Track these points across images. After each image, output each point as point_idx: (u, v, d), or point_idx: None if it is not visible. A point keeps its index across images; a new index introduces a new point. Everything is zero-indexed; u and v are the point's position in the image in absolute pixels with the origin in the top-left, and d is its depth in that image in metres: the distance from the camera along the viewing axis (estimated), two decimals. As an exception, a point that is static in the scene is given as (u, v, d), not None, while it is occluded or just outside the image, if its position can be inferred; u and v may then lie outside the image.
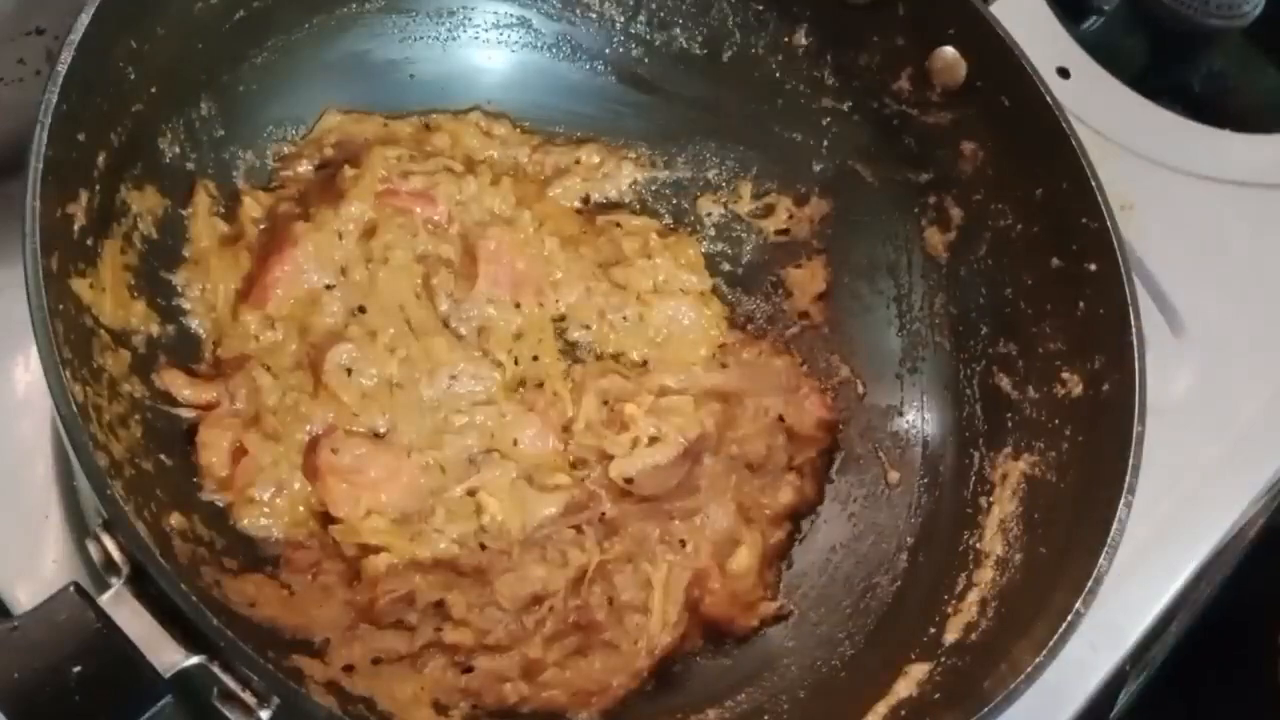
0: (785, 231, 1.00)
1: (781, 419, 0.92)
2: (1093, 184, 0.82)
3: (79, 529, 0.80)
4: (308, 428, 0.80)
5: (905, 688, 0.75)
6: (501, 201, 0.92)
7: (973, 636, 0.77)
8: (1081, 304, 0.83)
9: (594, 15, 0.98)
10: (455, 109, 0.97)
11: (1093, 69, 1.12)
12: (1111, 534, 0.72)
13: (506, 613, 0.79)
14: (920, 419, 0.93)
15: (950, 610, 0.80)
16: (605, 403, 0.89)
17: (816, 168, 0.99)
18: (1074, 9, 1.16)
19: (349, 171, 0.88)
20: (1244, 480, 0.98)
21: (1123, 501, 0.73)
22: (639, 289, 0.93)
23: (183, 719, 0.62)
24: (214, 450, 0.77)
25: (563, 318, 0.91)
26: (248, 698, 0.60)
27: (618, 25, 0.98)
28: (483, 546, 0.82)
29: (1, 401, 0.83)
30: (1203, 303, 1.02)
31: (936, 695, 0.74)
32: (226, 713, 0.61)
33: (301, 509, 0.79)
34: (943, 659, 0.77)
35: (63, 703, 0.56)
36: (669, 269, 0.94)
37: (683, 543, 0.85)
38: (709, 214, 1.00)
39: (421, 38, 0.96)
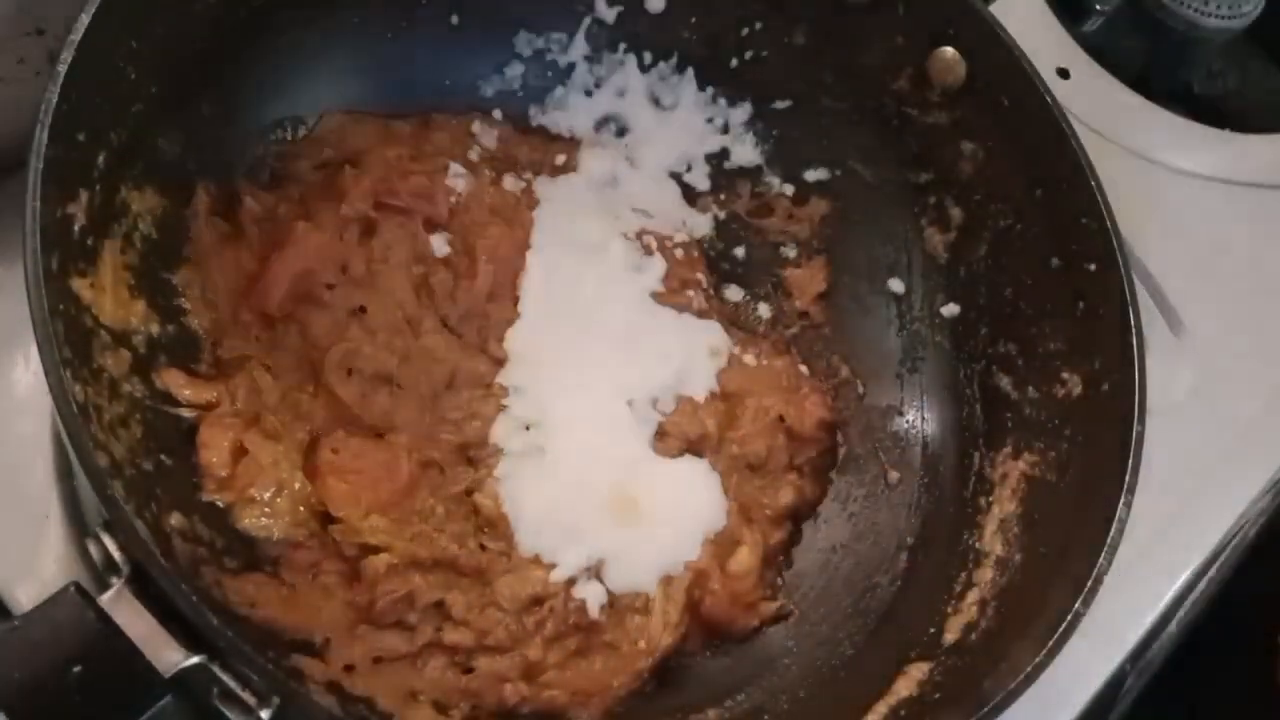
0: (785, 231, 1.00)
1: (781, 419, 0.91)
2: (1093, 184, 0.82)
3: (79, 529, 0.80)
4: (308, 427, 0.80)
5: (905, 688, 0.75)
6: (501, 201, 0.92)
7: (973, 636, 0.77)
8: (1081, 304, 0.83)
9: (594, 16, 0.98)
10: (455, 109, 0.97)
11: (1093, 69, 1.12)
12: (1111, 534, 0.72)
13: (506, 613, 0.79)
14: (920, 419, 0.93)
15: (950, 610, 0.80)
16: (605, 403, 0.89)
17: (816, 168, 0.99)
18: (1074, 10, 1.16)
19: (349, 171, 0.88)
20: (1244, 480, 0.98)
21: (1123, 501, 0.73)
22: (639, 289, 0.93)
23: (183, 719, 0.62)
24: (214, 450, 0.77)
25: (563, 317, 0.91)
26: (248, 697, 0.60)
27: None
28: (483, 547, 0.82)
29: (1, 401, 0.83)
30: (1203, 303, 1.02)
31: (936, 695, 0.74)
32: (227, 713, 0.61)
33: (302, 509, 0.79)
34: (943, 659, 0.77)
35: (63, 703, 0.56)
36: (669, 268, 0.95)
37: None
38: (709, 214, 1.00)
39: (422, 38, 0.96)
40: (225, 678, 0.60)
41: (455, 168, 0.91)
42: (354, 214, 0.86)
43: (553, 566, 0.82)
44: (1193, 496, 0.96)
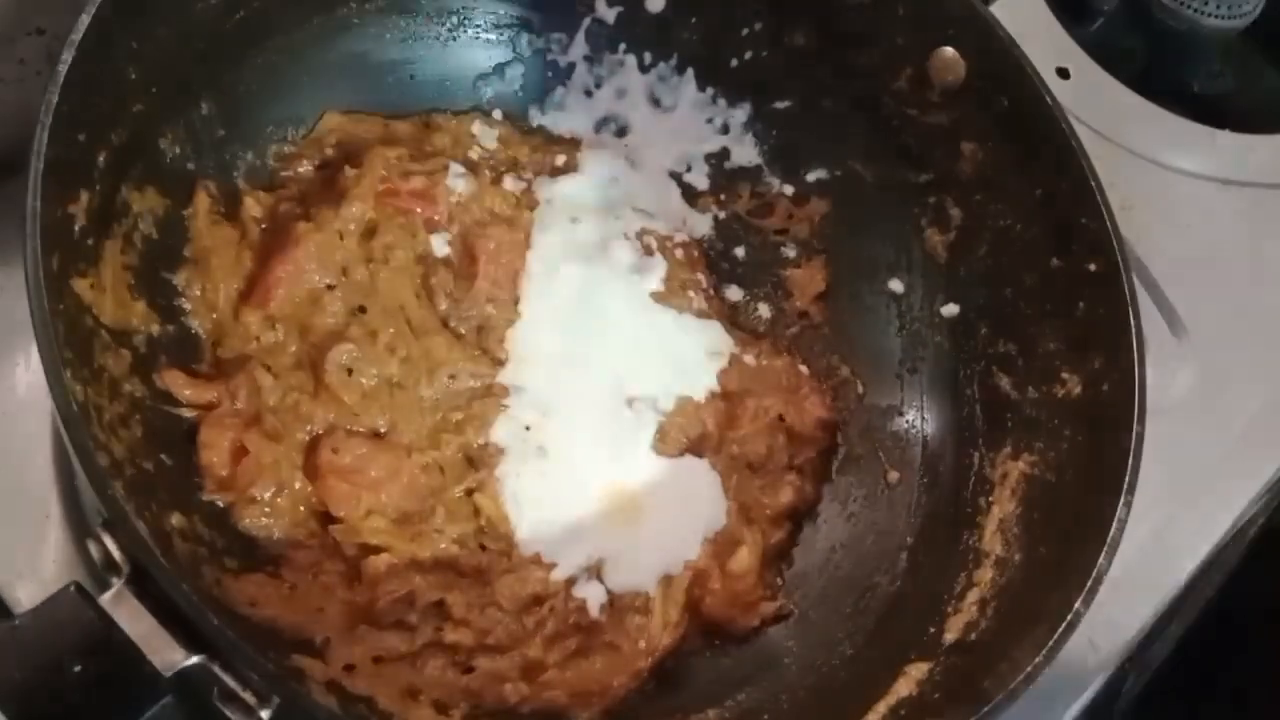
0: (785, 231, 1.00)
1: (781, 419, 0.92)
2: (1093, 184, 0.82)
3: (79, 529, 0.80)
4: (308, 428, 0.80)
5: (905, 688, 0.75)
6: (502, 201, 0.92)
7: (973, 636, 0.77)
8: (1081, 304, 0.83)
9: (594, 17, 0.98)
10: (455, 109, 0.97)
11: (1093, 69, 1.12)
12: (1111, 534, 0.72)
13: (507, 613, 0.79)
14: (920, 419, 0.93)
15: (950, 610, 0.80)
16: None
17: (816, 168, 0.99)
18: (1074, 9, 1.16)
19: (349, 171, 0.88)
20: (1244, 480, 0.98)
21: (1123, 501, 0.73)
22: (639, 289, 0.93)
23: (183, 719, 0.62)
24: (215, 450, 0.77)
25: (563, 317, 0.91)
26: (248, 697, 0.60)
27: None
28: (483, 547, 0.82)
29: (2, 401, 0.83)
30: (1203, 303, 1.02)
31: (936, 695, 0.74)
32: (227, 712, 0.61)
33: (302, 509, 0.79)
34: (943, 659, 0.77)
35: (63, 702, 0.56)
36: (669, 268, 0.95)
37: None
38: (709, 214, 1.00)
39: (422, 38, 0.96)
40: (225, 677, 0.60)
41: (455, 168, 0.91)
42: (354, 214, 0.86)
43: (553, 566, 0.82)
44: (1193, 496, 0.96)
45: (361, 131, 0.92)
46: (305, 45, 0.89)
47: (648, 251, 0.95)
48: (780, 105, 0.99)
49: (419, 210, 0.89)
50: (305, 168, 0.91)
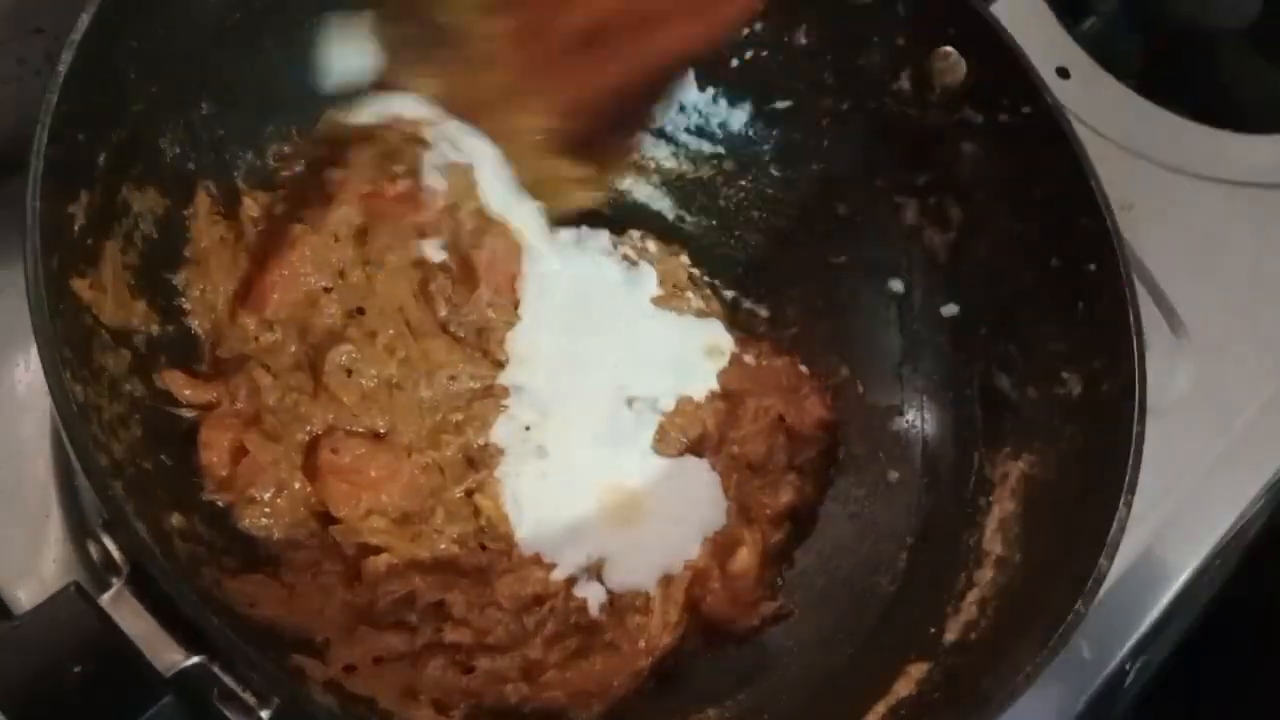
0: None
1: (781, 419, 0.92)
2: (1092, 184, 0.82)
3: (79, 529, 0.80)
4: (308, 428, 0.80)
5: (905, 688, 0.75)
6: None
7: (973, 636, 0.77)
8: (1081, 304, 0.83)
9: (594, 15, 0.98)
10: (455, 109, 0.97)
11: (1093, 69, 1.12)
12: (1111, 534, 0.72)
13: (507, 613, 0.79)
14: (920, 419, 0.93)
15: (950, 610, 0.80)
16: (605, 403, 0.89)
17: (816, 168, 0.99)
18: (1074, 9, 1.16)
19: (333, 173, 0.87)
20: (1244, 480, 0.98)
21: (1123, 501, 0.73)
22: (639, 289, 0.93)
23: (183, 719, 0.62)
24: (214, 450, 0.77)
25: (563, 318, 0.91)
26: (248, 698, 0.60)
27: (618, 25, 0.98)
28: (483, 547, 0.82)
29: (1, 401, 0.83)
30: (1203, 303, 1.03)
31: (936, 695, 0.74)
32: (227, 713, 0.61)
33: (302, 509, 0.79)
34: (943, 659, 0.77)
35: (63, 702, 0.56)
36: (670, 269, 0.95)
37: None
38: (710, 214, 1.00)
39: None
40: (225, 678, 0.60)
41: (431, 159, 0.88)
42: (342, 217, 0.85)
43: (553, 566, 0.82)
44: (1193, 496, 0.96)
45: (347, 131, 0.91)
46: (305, 45, 0.89)
47: (648, 251, 0.95)
48: (780, 105, 0.99)
49: (405, 215, 0.88)
50: (303, 168, 0.90)
